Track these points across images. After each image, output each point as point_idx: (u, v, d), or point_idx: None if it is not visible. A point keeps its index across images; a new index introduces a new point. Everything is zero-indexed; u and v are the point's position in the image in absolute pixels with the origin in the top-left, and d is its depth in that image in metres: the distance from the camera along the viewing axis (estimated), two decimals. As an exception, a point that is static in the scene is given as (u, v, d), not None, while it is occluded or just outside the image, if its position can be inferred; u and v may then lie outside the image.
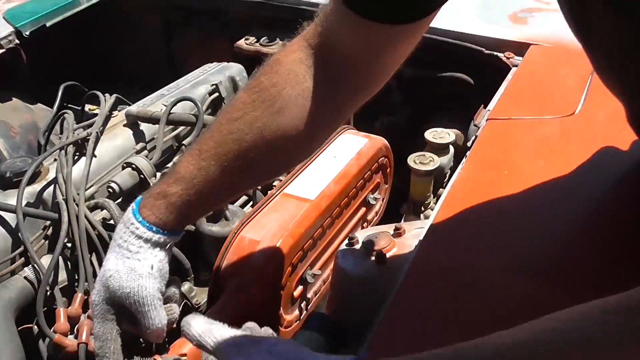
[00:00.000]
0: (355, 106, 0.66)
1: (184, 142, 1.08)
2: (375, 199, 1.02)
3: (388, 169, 1.06)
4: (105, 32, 1.62)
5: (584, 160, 0.79)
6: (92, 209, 0.89)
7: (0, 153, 1.18)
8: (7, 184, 0.93)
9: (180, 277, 0.81)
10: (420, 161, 1.03)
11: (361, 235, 0.76)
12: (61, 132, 1.12)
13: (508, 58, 1.12)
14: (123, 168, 0.97)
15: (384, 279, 0.68)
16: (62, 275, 0.86)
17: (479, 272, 0.63)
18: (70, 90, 1.26)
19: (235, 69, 1.28)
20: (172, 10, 1.57)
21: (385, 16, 0.55)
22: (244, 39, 1.38)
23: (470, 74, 1.18)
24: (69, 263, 0.88)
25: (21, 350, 0.78)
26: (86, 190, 0.90)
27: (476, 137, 0.90)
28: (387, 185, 1.07)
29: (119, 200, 0.94)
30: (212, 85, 1.20)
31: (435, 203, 0.89)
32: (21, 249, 0.86)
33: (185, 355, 0.67)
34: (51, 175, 0.94)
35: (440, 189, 1.06)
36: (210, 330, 0.49)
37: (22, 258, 0.88)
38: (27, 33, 1.34)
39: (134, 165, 0.96)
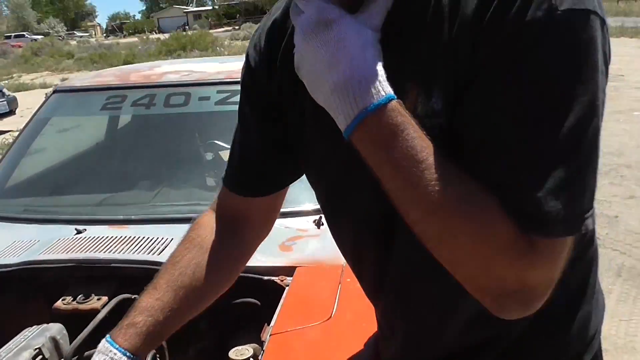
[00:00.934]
0: (255, 245, 0.99)
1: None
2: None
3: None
4: None
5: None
6: None
7: None
8: None
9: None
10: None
11: None
12: None
13: (282, 280, 1.47)
14: None
15: None
16: None
17: None
18: None
19: (55, 329, 1.42)
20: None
21: (248, 193, 0.93)
22: (61, 299, 1.55)
23: (257, 297, 1.49)
24: None
25: None
26: None
27: (263, 351, 1.18)
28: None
29: None
30: (35, 349, 1.33)
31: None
32: None
33: None
34: None
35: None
36: None
37: None
38: None
39: None
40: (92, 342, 1.27)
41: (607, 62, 0.61)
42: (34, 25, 65.71)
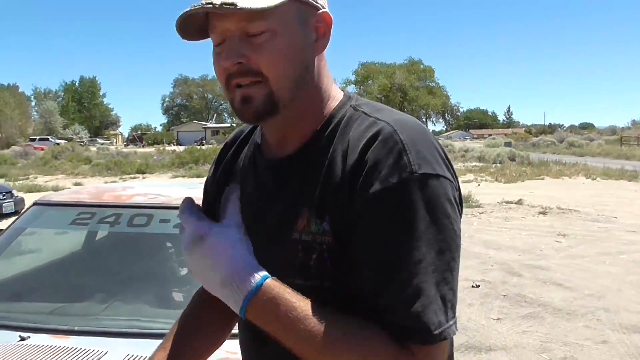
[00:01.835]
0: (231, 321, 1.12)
1: None
2: None
3: None
4: None
5: None
6: None
7: None
8: None
9: None
10: None
11: None
12: None
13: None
14: None
15: None
16: None
17: None
18: None
19: None
20: None
21: None
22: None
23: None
24: None
25: None
26: None
27: None
28: None
29: None
30: None
31: None
32: None
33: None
34: None
35: None
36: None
37: None
38: None
39: None
40: None
41: (457, 208, 0.86)
42: (60, 130, 68.82)
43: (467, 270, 6.13)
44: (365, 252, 0.81)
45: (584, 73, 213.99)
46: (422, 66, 79.34)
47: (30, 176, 21.39)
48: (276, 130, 0.95)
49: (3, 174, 20.54)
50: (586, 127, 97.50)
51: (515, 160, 24.74)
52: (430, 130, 0.92)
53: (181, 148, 33.91)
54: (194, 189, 2.64)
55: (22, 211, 2.51)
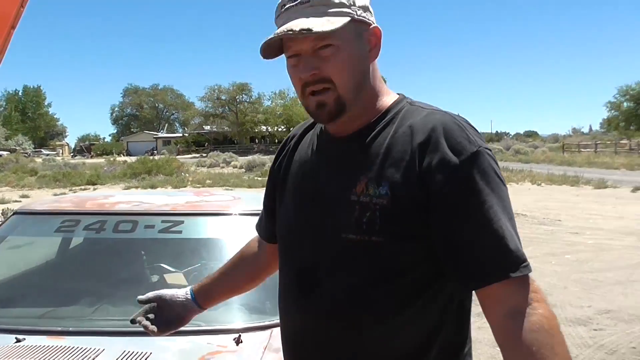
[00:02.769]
0: (275, 260, 1.35)
1: None
2: None
3: None
4: None
5: None
6: None
7: None
8: None
9: None
10: None
11: None
12: None
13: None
14: None
15: None
16: None
17: None
18: None
19: None
20: None
21: (262, 237, 1.49)
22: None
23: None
24: None
25: None
26: None
27: None
28: None
29: None
30: None
31: None
32: None
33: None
34: None
35: None
36: None
37: None
38: None
39: None
40: None
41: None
42: (2, 141, 66.22)
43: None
44: (455, 211, 1.02)
45: (528, 82, 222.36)
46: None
47: (-28, 189, 20.56)
48: (340, 125, 1.16)
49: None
50: (531, 135, 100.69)
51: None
52: None
53: (132, 159, 33.27)
54: (174, 196, 2.75)
55: (2, 222, 2.57)
